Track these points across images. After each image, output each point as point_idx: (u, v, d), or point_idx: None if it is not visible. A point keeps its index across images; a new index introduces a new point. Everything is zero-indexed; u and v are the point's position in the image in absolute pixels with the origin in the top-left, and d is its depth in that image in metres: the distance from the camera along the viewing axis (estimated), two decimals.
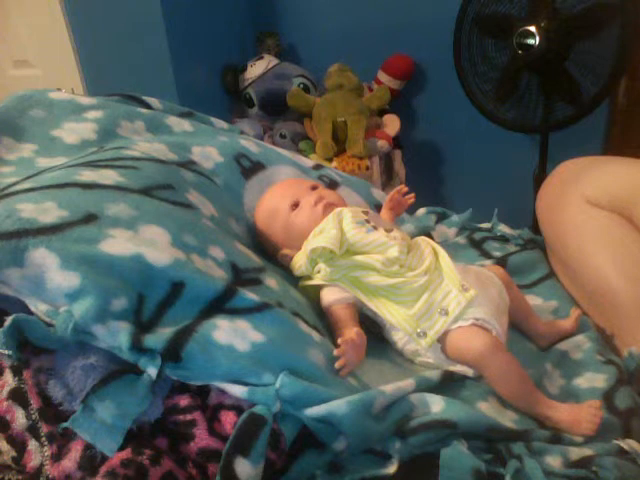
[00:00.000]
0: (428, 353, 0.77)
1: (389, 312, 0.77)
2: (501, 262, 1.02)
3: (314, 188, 0.91)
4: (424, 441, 0.63)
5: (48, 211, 0.63)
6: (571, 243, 0.94)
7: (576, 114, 1.61)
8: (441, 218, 1.22)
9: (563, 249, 0.98)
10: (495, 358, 0.73)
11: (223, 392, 0.59)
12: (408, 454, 0.63)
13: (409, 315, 0.77)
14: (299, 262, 0.84)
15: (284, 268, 0.88)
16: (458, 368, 0.76)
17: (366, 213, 0.87)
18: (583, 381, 0.78)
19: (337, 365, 0.68)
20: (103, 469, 0.54)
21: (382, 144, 1.97)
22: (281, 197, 0.91)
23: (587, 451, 0.66)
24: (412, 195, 0.96)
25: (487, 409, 0.72)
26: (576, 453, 0.66)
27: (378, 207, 1.07)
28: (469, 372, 0.76)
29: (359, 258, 0.80)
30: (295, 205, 0.89)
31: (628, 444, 0.66)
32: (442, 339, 0.76)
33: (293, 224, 0.88)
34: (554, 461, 0.64)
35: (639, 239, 0.87)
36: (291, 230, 0.88)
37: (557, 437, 0.69)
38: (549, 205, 1.03)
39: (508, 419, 0.71)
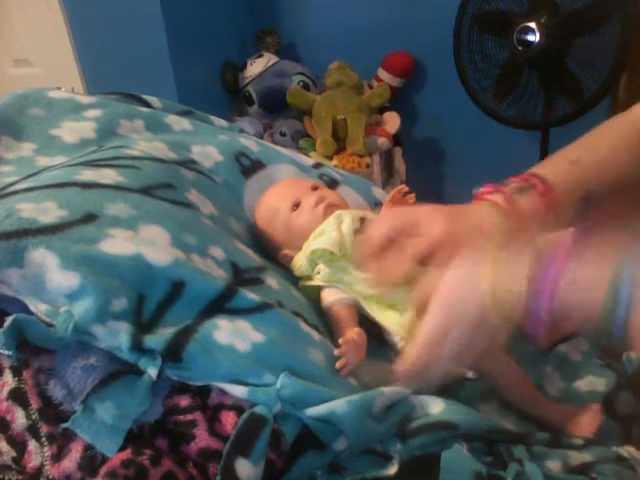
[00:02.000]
0: None
1: (384, 317, 0.77)
2: None
3: (315, 188, 0.91)
4: (425, 442, 0.63)
5: (48, 211, 0.63)
6: None
7: (577, 110, 1.61)
8: None
9: None
10: (493, 361, 0.72)
11: (223, 392, 0.59)
12: (409, 455, 0.62)
13: (403, 320, 0.76)
14: (299, 262, 0.83)
15: (284, 268, 0.88)
16: (458, 368, 0.76)
17: (364, 219, 0.86)
18: (583, 384, 0.78)
19: (338, 365, 0.67)
20: (103, 470, 0.54)
21: (382, 142, 1.97)
22: (282, 197, 0.90)
23: (587, 456, 0.66)
24: (413, 195, 0.95)
25: (487, 410, 0.72)
26: (576, 458, 0.66)
27: (378, 206, 1.07)
28: (468, 373, 0.76)
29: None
30: (296, 205, 0.88)
31: (627, 451, 0.66)
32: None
33: (294, 224, 0.87)
34: (554, 465, 0.64)
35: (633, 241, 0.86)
36: (292, 230, 0.87)
37: (557, 440, 0.69)
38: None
39: (508, 421, 0.71)
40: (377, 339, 0.82)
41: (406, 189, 0.95)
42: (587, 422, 0.69)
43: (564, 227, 0.68)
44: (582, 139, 0.76)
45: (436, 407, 0.67)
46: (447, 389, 0.74)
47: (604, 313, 0.51)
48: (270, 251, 0.91)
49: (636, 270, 0.50)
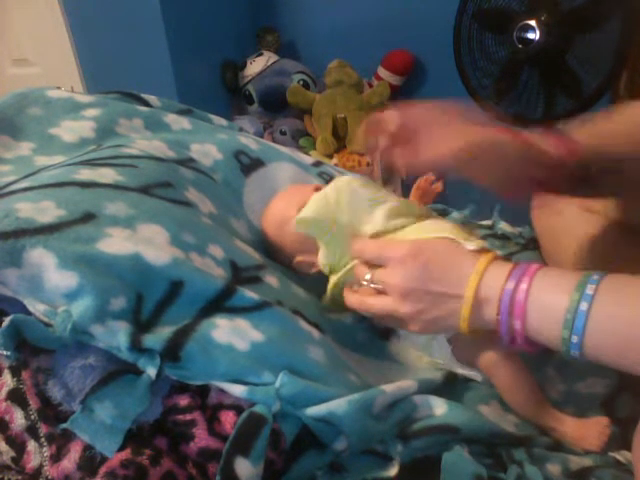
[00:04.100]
0: (438, 353, 0.77)
1: None
2: None
3: (317, 190, 0.88)
4: (426, 444, 0.63)
5: (46, 210, 0.63)
6: (566, 248, 0.94)
7: (577, 108, 1.60)
8: (442, 215, 1.21)
9: (558, 254, 0.97)
10: (505, 368, 0.71)
11: (223, 392, 0.59)
12: (410, 457, 0.62)
13: None
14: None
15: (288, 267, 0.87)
16: (467, 372, 0.76)
17: None
18: (584, 386, 0.78)
19: None
20: (102, 470, 0.53)
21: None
22: (287, 205, 0.87)
23: (586, 461, 0.66)
24: (439, 184, 0.93)
25: (488, 413, 0.71)
26: (576, 463, 0.66)
27: None
28: (478, 377, 0.76)
29: None
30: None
31: (624, 456, 0.66)
32: (453, 341, 0.75)
33: None
34: (554, 469, 0.64)
35: (634, 244, 0.86)
36: (303, 236, 0.83)
37: (557, 444, 0.69)
38: (544, 211, 1.03)
39: (510, 423, 0.71)
40: (381, 336, 0.82)
41: (432, 177, 0.93)
42: (595, 437, 0.68)
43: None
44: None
45: (438, 409, 0.67)
46: (450, 390, 0.74)
47: (562, 341, 0.53)
48: (285, 261, 0.88)
49: (591, 298, 0.52)
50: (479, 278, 0.59)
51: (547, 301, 0.55)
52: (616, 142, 0.71)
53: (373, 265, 0.69)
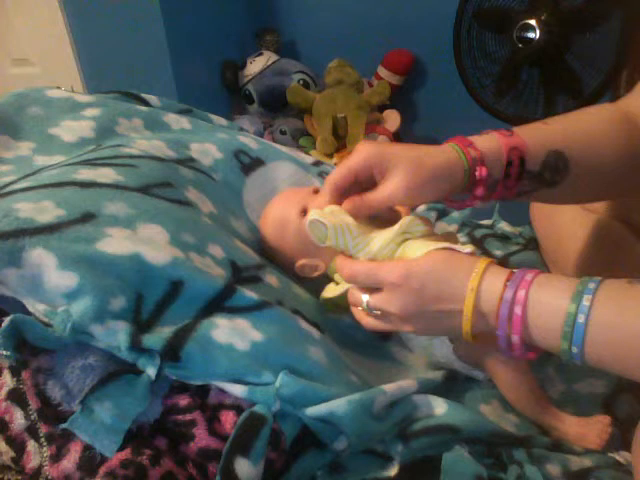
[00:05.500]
0: (439, 352, 0.77)
1: None
2: (502, 262, 1.01)
3: (316, 192, 0.87)
4: (426, 445, 0.63)
5: (45, 210, 0.63)
6: (566, 249, 0.93)
7: (577, 107, 1.59)
8: (441, 215, 1.21)
9: (558, 255, 0.97)
10: (507, 366, 0.71)
11: (223, 392, 0.59)
12: (410, 457, 0.62)
13: None
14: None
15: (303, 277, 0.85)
16: (468, 370, 0.76)
17: None
18: (583, 386, 0.77)
19: None
20: (102, 470, 0.53)
21: (382, 139, 1.96)
22: (287, 206, 0.86)
23: (586, 462, 0.66)
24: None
25: (489, 412, 0.71)
26: (576, 463, 0.65)
27: None
28: (479, 376, 0.76)
29: None
30: (303, 212, 0.83)
31: (623, 457, 0.66)
32: (454, 339, 0.75)
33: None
34: (553, 469, 0.64)
35: (635, 245, 0.86)
36: (305, 238, 0.79)
37: (557, 444, 0.68)
38: (543, 210, 1.03)
39: (510, 423, 0.71)
40: (379, 336, 0.82)
41: None
42: (596, 436, 0.68)
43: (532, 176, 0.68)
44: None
45: (439, 408, 0.67)
46: (450, 390, 0.74)
47: (563, 351, 0.53)
48: (286, 265, 0.86)
49: (588, 310, 0.51)
50: (475, 294, 0.58)
51: (544, 314, 0.54)
52: (565, 138, 0.71)
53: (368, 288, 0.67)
